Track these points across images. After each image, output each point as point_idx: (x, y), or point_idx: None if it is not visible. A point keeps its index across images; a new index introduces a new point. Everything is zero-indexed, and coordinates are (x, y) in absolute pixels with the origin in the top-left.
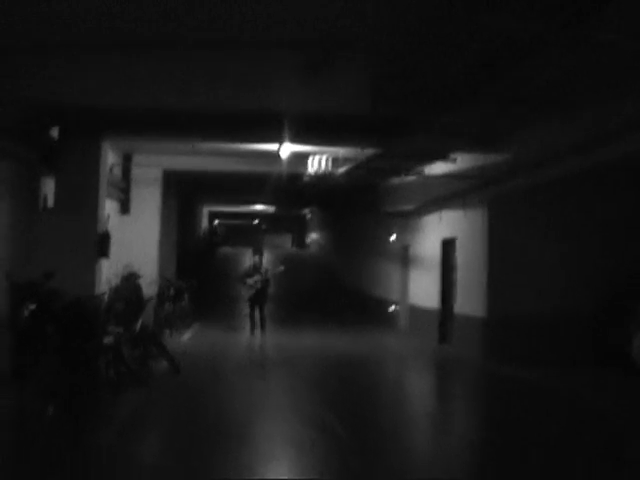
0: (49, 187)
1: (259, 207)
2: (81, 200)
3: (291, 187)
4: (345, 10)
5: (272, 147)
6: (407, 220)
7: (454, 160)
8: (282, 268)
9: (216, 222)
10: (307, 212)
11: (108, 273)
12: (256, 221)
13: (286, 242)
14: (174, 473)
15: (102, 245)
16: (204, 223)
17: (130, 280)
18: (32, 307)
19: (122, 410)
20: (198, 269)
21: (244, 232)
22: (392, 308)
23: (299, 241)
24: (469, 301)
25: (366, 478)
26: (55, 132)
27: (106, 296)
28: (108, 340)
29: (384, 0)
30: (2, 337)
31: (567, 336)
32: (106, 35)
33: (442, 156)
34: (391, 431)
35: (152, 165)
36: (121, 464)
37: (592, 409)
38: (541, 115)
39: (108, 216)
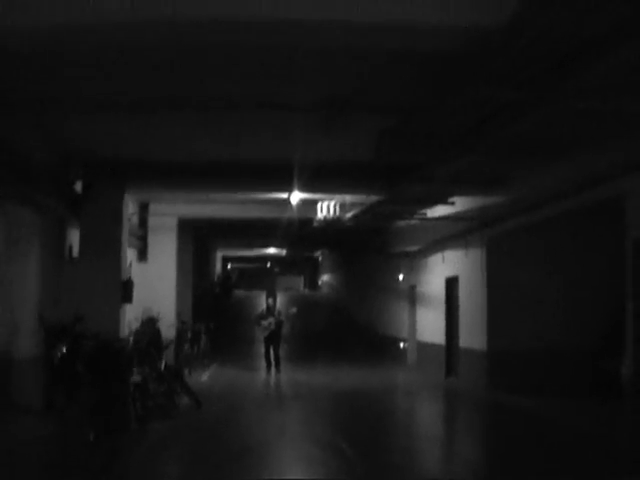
0: (74, 237)
1: (271, 250)
2: (105, 249)
3: (302, 231)
4: (352, 74)
5: (282, 194)
6: (413, 260)
7: (452, 203)
8: (294, 310)
9: (229, 266)
10: (318, 254)
11: (129, 317)
12: (268, 264)
13: (298, 284)
14: None
15: (126, 291)
16: (217, 267)
17: (149, 324)
18: (64, 348)
19: (151, 437)
20: (214, 311)
21: (257, 275)
22: (402, 345)
23: (311, 282)
24: (471, 336)
25: None
26: (79, 185)
27: (131, 338)
28: (135, 378)
29: (389, 67)
30: (37, 374)
31: (562, 367)
32: (129, 95)
33: (441, 200)
34: (396, 451)
35: (168, 214)
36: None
37: (582, 432)
38: (532, 163)
39: (130, 264)
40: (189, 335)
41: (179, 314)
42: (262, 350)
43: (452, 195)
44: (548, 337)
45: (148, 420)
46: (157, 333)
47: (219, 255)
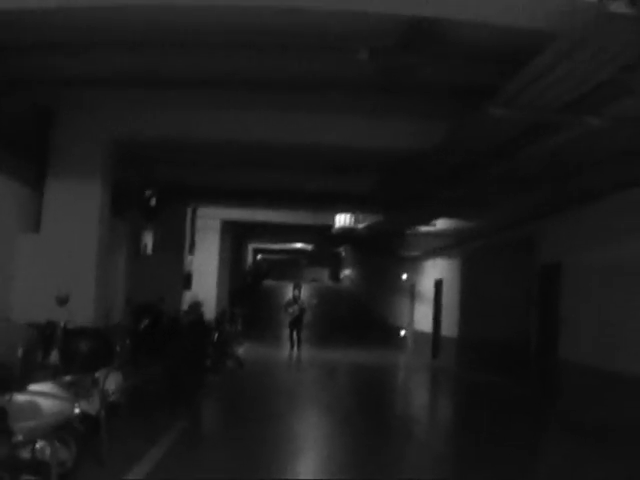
0: (147, 238)
1: (298, 245)
2: (171, 248)
3: (324, 234)
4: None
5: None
6: (414, 263)
7: (434, 225)
8: (315, 301)
9: (259, 257)
10: (341, 250)
11: None
12: (296, 257)
13: (323, 275)
14: (240, 408)
15: (187, 280)
16: (249, 258)
17: (195, 307)
18: (146, 322)
19: (212, 382)
20: (246, 298)
21: (285, 266)
22: (402, 332)
23: (334, 275)
24: (449, 327)
25: (362, 422)
26: (153, 200)
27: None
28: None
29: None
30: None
31: (502, 354)
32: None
33: (425, 223)
34: (378, 395)
35: (212, 217)
36: (211, 404)
37: (519, 394)
38: (476, 208)
39: (191, 260)
40: (227, 317)
41: (220, 300)
42: (287, 333)
43: (431, 220)
44: (495, 332)
45: (207, 374)
46: (201, 315)
47: (250, 247)
